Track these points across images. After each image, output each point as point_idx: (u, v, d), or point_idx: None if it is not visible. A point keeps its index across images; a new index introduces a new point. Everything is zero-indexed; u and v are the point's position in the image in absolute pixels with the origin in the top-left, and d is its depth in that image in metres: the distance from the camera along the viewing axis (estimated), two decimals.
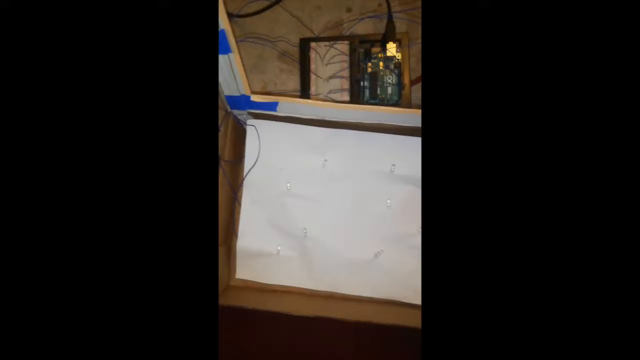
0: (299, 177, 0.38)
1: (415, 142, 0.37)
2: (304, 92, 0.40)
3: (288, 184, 0.38)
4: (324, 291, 0.38)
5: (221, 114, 0.36)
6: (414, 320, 0.34)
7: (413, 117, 0.33)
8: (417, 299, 0.37)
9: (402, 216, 0.38)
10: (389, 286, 0.35)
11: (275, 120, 0.37)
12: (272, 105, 0.33)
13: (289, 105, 0.33)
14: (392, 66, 0.39)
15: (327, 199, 0.38)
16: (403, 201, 0.38)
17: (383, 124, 0.34)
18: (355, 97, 0.39)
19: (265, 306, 0.35)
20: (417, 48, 0.41)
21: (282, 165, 0.38)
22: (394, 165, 0.37)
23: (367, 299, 0.38)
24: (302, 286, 0.38)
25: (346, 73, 0.39)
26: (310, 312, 0.34)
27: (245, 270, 0.39)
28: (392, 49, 0.39)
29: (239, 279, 0.39)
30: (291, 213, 0.39)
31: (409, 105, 0.39)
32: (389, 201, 0.38)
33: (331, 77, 0.39)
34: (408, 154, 0.37)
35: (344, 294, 0.38)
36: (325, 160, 0.38)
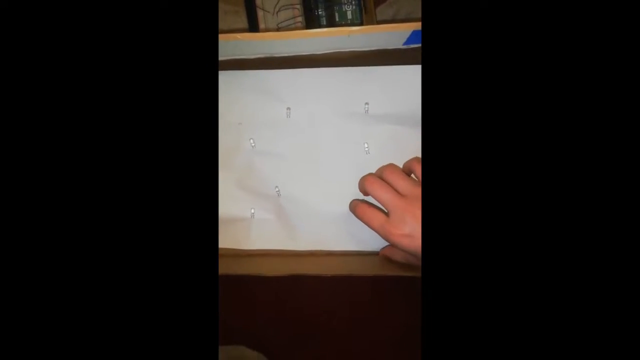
0: (262, 132, 0.34)
1: (388, 73, 0.32)
2: (252, 31, 0.35)
3: (251, 141, 0.34)
4: (307, 250, 0.35)
5: None
6: (405, 270, 0.31)
7: (376, 37, 0.28)
8: None
9: (384, 160, 0.33)
10: (376, 237, 0.32)
11: (220, 69, 0.32)
12: None
13: (230, 45, 0.28)
14: None
15: (297, 152, 0.34)
16: (383, 144, 0.33)
17: (342, 51, 0.29)
18: (311, 28, 0.34)
19: (243, 271, 0.32)
20: None
21: (240, 120, 0.34)
22: (367, 103, 0.33)
23: (353, 253, 0.35)
24: (282, 248, 0.35)
25: (297, 0, 0.34)
26: (293, 271, 0.31)
27: (220, 237, 0.36)
28: None
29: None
30: (260, 172, 0.35)
31: None
32: (366, 146, 0.33)
33: (279, 9, 0.34)
34: (381, 88, 0.32)
35: (328, 251, 0.35)
36: (288, 109, 0.33)
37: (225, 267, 0.32)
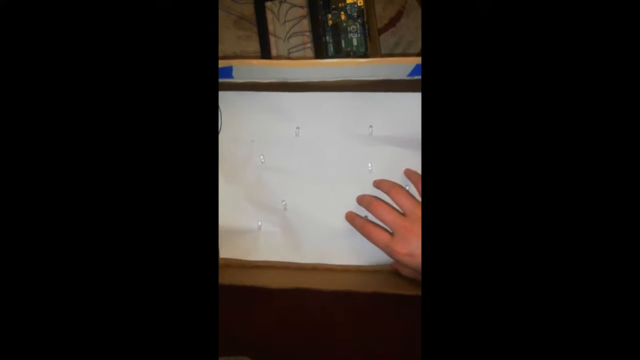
0: (272, 149, 0.36)
1: (391, 99, 0.34)
2: (265, 56, 0.37)
3: (261, 157, 0.36)
4: (309, 264, 0.37)
5: None
6: (405, 288, 0.32)
7: (382, 68, 0.30)
8: None
9: (386, 179, 0.36)
10: (376, 251, 0.34)
11: (236, 90, 0.34)
12: (227, 72, 0.30)
13: (246, 70, 0.30)
14: (355, 14, 0.36)
15: (304, 169, 0.36)
16: (385, 164, 0.36)
17: (350, 79, 0.31)
18: (319, 54, 0.36)
19: (249, 282, 0.34)
20: None
21: (253, 137, 0.36)
22: (371, 126, 0.35)
23: (353, 268, 0.36)
24: (287, 260, 0.37)
25: (306, 27, 0.36)
26: (297, 284, 0.32)
27: (227, 249, 0.38)
28: None
29: (222, 258, 0.38)
30: (268, 187, 0.37)
31: (377, 56, 0.36)
32: (370, 165, 0.36)
33: (290, 36, 0.36)
34: (385, 113, 0.35)
35: (329, 265, 0.37)
36: (297, 128, 0.36)
37: (231, 278, 0.34)
